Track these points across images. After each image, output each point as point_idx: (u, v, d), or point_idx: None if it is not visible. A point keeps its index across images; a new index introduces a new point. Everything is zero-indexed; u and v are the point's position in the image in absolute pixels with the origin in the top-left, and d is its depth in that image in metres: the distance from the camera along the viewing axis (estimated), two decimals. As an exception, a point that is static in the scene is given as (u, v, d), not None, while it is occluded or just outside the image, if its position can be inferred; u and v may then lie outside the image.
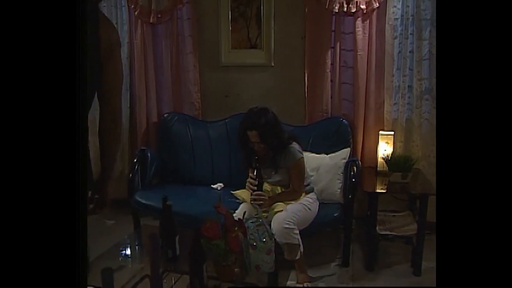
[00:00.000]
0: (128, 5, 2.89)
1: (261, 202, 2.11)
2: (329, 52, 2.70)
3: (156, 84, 3.02)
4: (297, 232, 2.07)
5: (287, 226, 2.03)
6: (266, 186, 2.25)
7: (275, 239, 2.00)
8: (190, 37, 2.90)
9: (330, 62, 2.72)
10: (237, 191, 2.30)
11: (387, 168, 2.47)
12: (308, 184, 2.34)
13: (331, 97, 2.78)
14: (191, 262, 1.51)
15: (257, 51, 2.87)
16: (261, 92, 2.94)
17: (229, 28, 2.87)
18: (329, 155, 2.61)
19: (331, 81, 2.75)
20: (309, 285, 2.19)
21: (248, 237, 1.63)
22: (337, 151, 2.60)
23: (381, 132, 2.62)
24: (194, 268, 1.51)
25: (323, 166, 2.57)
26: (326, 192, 2.50)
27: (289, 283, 2.22)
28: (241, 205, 2.20)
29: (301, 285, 2.17)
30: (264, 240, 1.64)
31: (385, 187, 2.43)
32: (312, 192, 2.35)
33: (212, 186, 2.83)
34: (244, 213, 1.76)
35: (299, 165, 2.20)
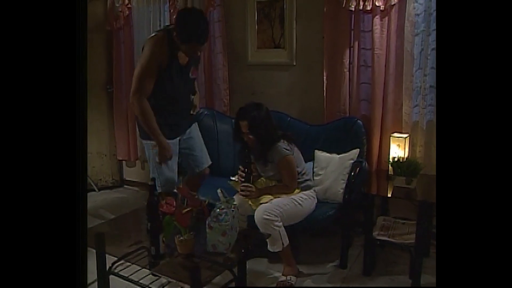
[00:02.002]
0: (169, 10, 3.31)
1: (248, 193, 2.28)
2: (347, 52, 2.74)
3: (191, 81, 3.38)
4: (279, 224, 2.20)
5: (266, 217, 2.17)
6: (260, 179, 2.42)
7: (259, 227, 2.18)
8: (220, 37, 3.20)
9: (348, 62, 2.75)
10: (232, 182, 2.51)
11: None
12: (305, 181, 2.43)
13: (349, 97, 2.80)
14: (150, 232, 1.79)
15: (280, 51, 3.03)
16: (283, 91, 3.09)
17: (255, 28, 3.09)
18: (339, 155, 2.65)
19: (350, 80, 2.77)
20: (293, 278, 2.29)
21: (209, 218, 1.85)
22: (348, 151, 2.63)
23: (392, 134, 2.57)
24: (152, 237, 1.78)
25: (331, 165, 2.63)
26: (329, 192, 2.55)
27: (277, 274, 2.37)
28: (235, 195, 2.40)
29: (285, 278, 2.29)
30: (225, 223, 1.82)
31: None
32: (309, 189, 2.44)
33: (231, 178, 3.07)
34: (208, 200, 1.96)
35: (285, 161, 2.33)
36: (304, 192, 2.39)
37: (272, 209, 2.20)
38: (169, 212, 1.76)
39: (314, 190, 2.47)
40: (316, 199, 2.45)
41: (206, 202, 1.91)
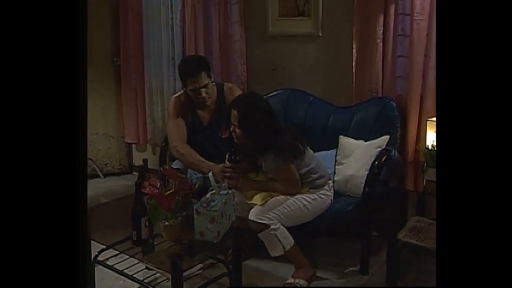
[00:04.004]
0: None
1: (230, 175, 2.33)
2: (381, 18, 2.67)
3: (205, 55, 3.43)
4: (275, 227, 2.20)
5: (257, 221, 2.19)
6: (256, 175, 2.42)
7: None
8: (237, 4, 3.23)
9: (382, 31, 2.69)
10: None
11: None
12: (314, 181, 2.37)
13: (383, 74, 2.74)
14: (132, 216, 1.87)
15: (305, 19, 3.03)
16: (307, 66, 3.09)
17: (277, -9, 3.09)
18: (367, 142, 2.62)
19: (383, 53, 2.71)
20: (302, 282, 2.30)
21: (198, 203, 1.91)
22: (377, 138, 2.59)
23: (430, 118, 2.49)
24: (134, 221, 1.87)
25: (355, 153, 2.61)
26: (350, 184, 2.53)
27: (285, 276, 2.38)
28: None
29: (293, 281, 2.30)
30: (214, 209, 1.88)
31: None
32: (321, 187, 2.38)
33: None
34: (198, 183, 2.02)
35: (282, 171, 2.30)
36: (314, 191, 2.35)
37: (266, 213, 2.21)
38: (152, 194, 1.84)
39: (330, 187, 2.42)
40: (331, 197, 2.41)
41: (196, 186, 1.97)
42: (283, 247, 2.22)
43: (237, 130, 2.26)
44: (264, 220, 2.18)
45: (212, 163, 2.50)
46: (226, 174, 2.35)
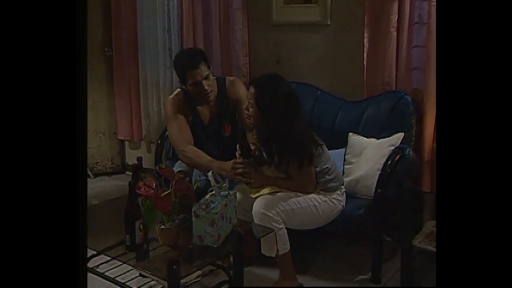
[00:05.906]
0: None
1: (240, 170, 2.33)
2: (396, 4, 2.66)
3: (204, 45, 3.43)
4: (279, 226, 2.20)
5: (263, 211, 2.19)
6: (268, 170, 2.40)
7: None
8: (239, -11, 3.22)
9: (396, 18, 2.67)
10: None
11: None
12: (328, 181, 2.35)
13: (397, 65, 2.73)
14: (125, 218, 1.86)
15: (312, 7, 3.02)
16: (315, 57, 3.08)
17: (282, -23, 3.08)
18: (379, 140, 2.61)
19: (398, 43, 2.70)
20: None
21: (196, 205, 1.89)
22: (391, 135, 2.58)
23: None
24: (127, 224, 1.86)
25: (366, 152, 2.60)
26: (361, 184, 2.52)
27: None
28: (237, 185, 2.45)
29: None
30: (214, 211, 1.86)
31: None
32: (333, 191, 2.36)
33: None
34: (197, 181, 2.01)
35: (301, 171, 2.27)
36: (325, 193, 2.34)
37: (274, 204, 2.20)
38: (147, 195, 1.83)
39: (342, 192, 2.40)
40: (342, 202, 2.38)
41: (195, 186, 1.96)
42: (277, 249, 2.22)
43: (250, 108, 2.27)
44: (270, 213, 2.17)
45: (222, 161, 2.48)
46: (238, 170, 2.34)
